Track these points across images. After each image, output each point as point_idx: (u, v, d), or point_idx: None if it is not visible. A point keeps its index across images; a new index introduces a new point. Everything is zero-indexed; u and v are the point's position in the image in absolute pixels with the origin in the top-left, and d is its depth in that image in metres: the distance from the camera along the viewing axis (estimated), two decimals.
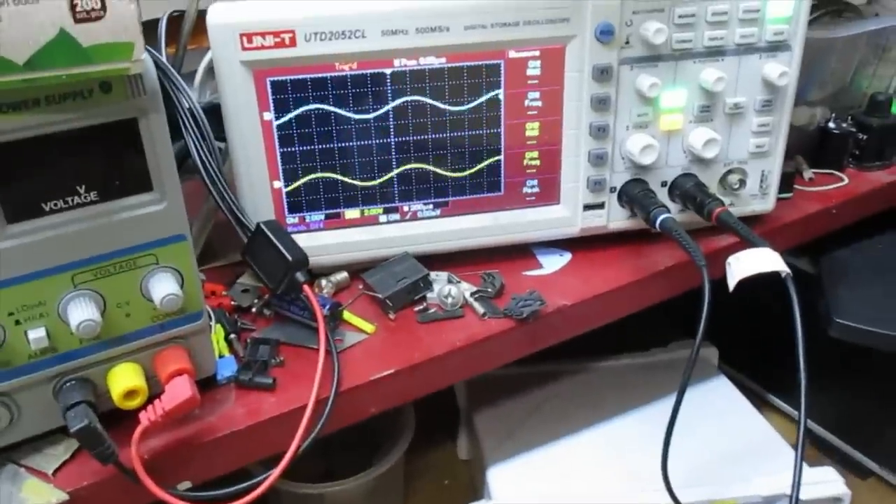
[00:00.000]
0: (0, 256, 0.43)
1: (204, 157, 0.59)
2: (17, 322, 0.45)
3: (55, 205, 0.43)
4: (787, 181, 0.75)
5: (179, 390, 0.47)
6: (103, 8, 0.37)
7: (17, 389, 0.46)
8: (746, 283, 0.56)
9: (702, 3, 0.61)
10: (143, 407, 0.48)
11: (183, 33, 0.67)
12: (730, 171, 0.68)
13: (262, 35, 0.56)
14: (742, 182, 0.68)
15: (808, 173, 0.82)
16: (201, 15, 0.60)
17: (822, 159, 0.83)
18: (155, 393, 0.49)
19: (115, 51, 0.38)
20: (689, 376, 0.55)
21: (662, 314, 0.75)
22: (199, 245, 0.69)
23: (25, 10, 0.36)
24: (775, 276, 0.56)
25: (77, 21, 0.37)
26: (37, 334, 0.45)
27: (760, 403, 0.99)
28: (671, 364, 0.90)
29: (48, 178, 0.42)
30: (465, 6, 0.58)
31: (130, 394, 0.47)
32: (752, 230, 0.61)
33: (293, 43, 0.56)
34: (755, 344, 0.98)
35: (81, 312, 0.45)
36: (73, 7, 0.36)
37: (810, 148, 0.83)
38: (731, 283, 0.56)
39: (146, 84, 0.43)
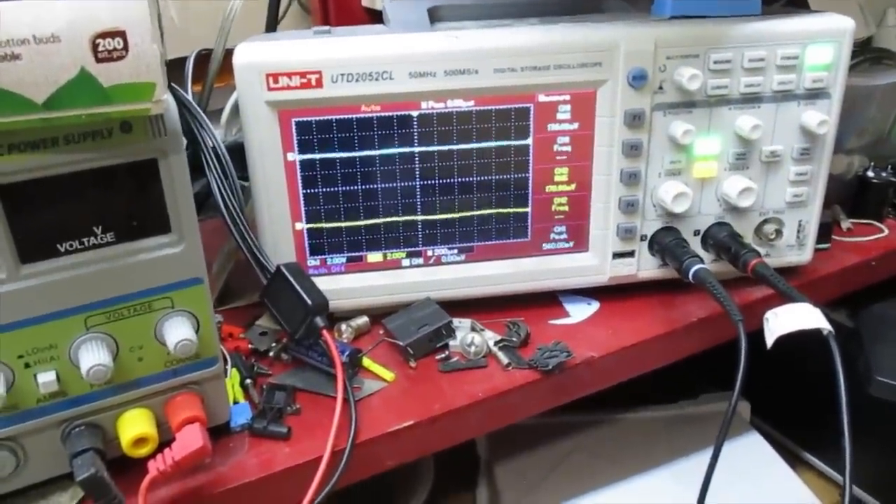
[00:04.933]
0: (12, 298, 0.41)
1: (226, 197, 0.58)
2: (27, 365, 0.43)
3: (70, 245, 0.42)
4: (824, 231, 0.72)
5: (190, 439, 0.46)
6: (125, 48, 0.36)
7: (25, 434, 0.45)
8: (784, 336, 0.54)
9: (738, 49, 0.59)
10: (153, 455, 0.46)
11: (210, 72, 0.67)
12: (766, 221, 0.65)
13: (289, 76, 0.55)
14: (778, 232, 0.65)
15: (845, 223, 0.79)
16: (229, 54, 0.59)
17: (860, 209, 0.80)
18: (166, 440, 0.47)
19: (136, 91, 0.37)
20: (724, 438, 0.52)
21: (692, 363, 0.72)
22: (218, 285, 0.68)
23: (47, 49, 0.35)
24: (815, 332, 0.54)
25: (99, 61, 0.36)
26: (46, 378, 0.44)
27: (794, 460, 0.95)
28: (701, 417, 0.87)
29: (64, 218, 0.42)
30: (494, 49, 0.56)
31: (140, 441, 0.46)
32: (789, 282, 0.59)
33: (319, 84, 0.55)
34: (790, 398, 0.94)
35: (93, 356, 0.43)
36: (94, 47, 0.35)
37: (848, 197, 0.81)
38: (770, 340, 0.54)
39: (167, 124, 0.42)
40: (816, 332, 0.54)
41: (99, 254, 0.43)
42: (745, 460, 0.81)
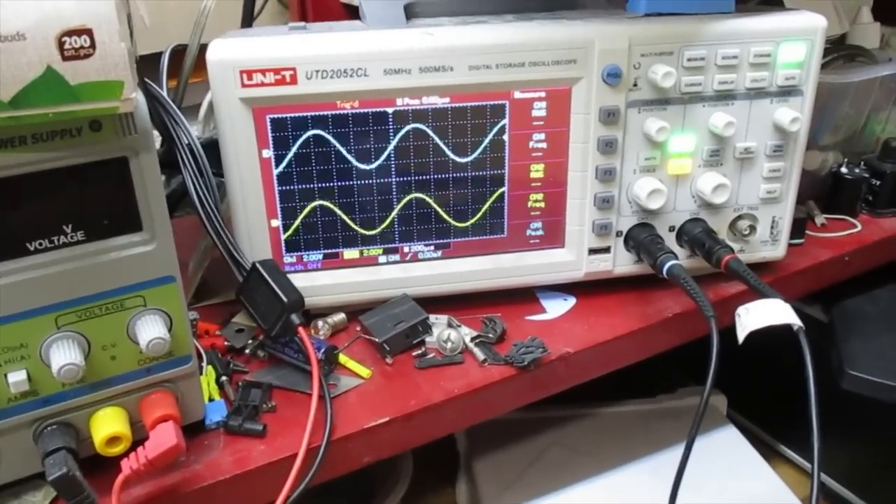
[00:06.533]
0: None
1: (201, 194, 0.58)
2: None
3: (40, 244, 0.42)
4: (798, 227, 0.73)
5: (164, 437, 0.46)
6: (92, 46, 0.36)
7: None
8: (757, 331, 0.54)
9: (711, 46, 0.59)
10: (127, 454, 0.46)
11: (185, 68, 0.67)
12: (740, 217, 0.66)
13: (263, 72, 0.55)
14: (752, 228, 0.66)
15: (820, 219, 0.80)
16: (204, 49, 0.59)
17: (834, 205, 0.81)
18: (139, 438, 0.47)
19: (104, 90, 0.37)
20: (697, 432, 0.52)
21: (670, 358, 0.73)
22: (195, 282, 0.68)
23: (12, 46, 0.35)
24: (787, 327, 0.54)
25: (65, 59, 0.36)
26: (17, 377, 0.43)
27: (770, 454, 0.96)
28: (679, 412, 0.87)
29: (34, 216, 0.41)
30: (469, 46, 0.57)
31: (113, 440, 0.46)
32: (763, 278, 0.59)
33: (294, 80, 0.55)
34: (765, 392, 0.95)
35: (64, 356, 0.43)
36: (61, 45, 0.35)
37: (822, 193, 0.82)
38: (741, 336, 0.54)
39: (138, 123, 0.41)
40: (789, 329, 0.54)
41: (69, 252, 0.43)
42: (721, 453, 0.82)
